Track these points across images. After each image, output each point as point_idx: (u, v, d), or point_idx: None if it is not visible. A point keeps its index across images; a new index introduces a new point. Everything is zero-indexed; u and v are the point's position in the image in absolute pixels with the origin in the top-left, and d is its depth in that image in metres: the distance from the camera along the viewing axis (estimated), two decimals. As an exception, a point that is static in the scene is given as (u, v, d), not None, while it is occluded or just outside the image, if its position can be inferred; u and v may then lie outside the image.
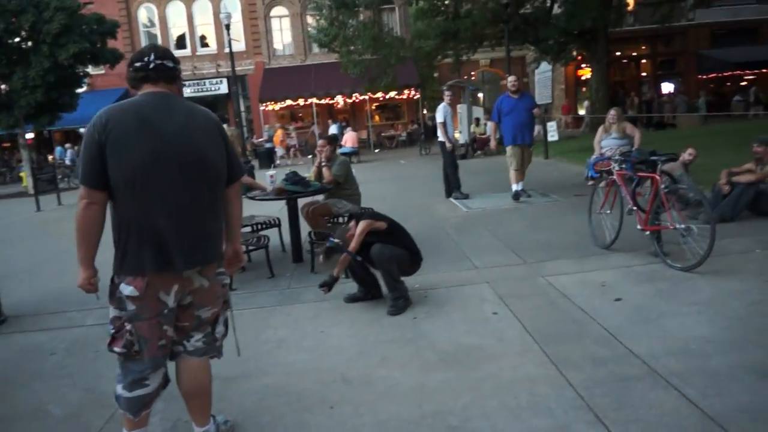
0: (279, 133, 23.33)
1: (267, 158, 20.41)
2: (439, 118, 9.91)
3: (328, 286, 4.53)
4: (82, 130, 29.00)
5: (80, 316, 5.11)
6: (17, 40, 18.27)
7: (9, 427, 3.17)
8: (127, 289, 2.41)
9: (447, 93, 10.55)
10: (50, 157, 24.97)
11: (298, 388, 3.35)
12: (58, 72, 18.08)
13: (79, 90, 20.48)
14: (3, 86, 18.56)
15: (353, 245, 4.49)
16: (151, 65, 2.46)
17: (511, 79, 9.15)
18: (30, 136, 22.30)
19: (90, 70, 20.94)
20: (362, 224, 4.54)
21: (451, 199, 9.67)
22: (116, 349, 2.47)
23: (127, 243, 2.39)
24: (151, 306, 2.44)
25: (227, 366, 3.70)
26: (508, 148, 8.95)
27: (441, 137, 9.88)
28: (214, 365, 3.71)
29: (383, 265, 4.53)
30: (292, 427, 2.93)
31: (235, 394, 3.33)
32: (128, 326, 2.44)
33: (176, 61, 2.58)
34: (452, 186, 9.93)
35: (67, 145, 25.99)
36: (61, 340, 4.55)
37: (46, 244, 9.02)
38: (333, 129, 23.60)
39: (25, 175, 19.28)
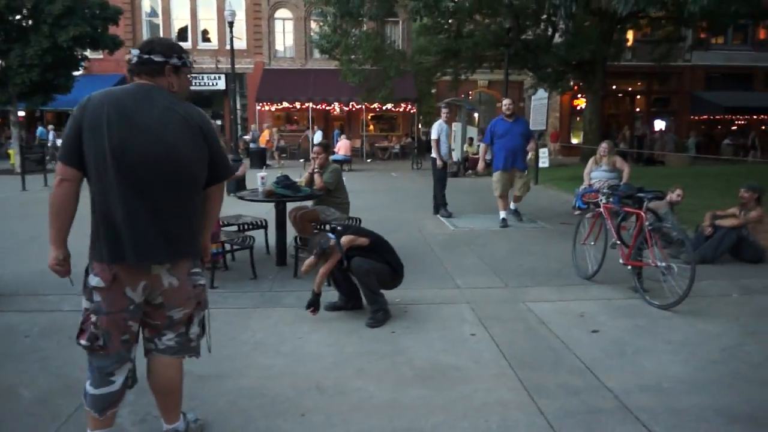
0: (266, 134, 23.31)
1: (259, 158, 20.37)
2: (434, 134, 9.96)
3: (314, 306, 4.52)
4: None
5: (57, 300, 5.07)
6: (18, 17, 18.12)
7: (-24, 408, 3.14)
8: (94, 280, 2.43)
9: (444, 110, 10.55)
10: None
11: (271, 392, 3.35)
12: (56, 53, 17.94)
13: (76, 73, 20.33)
14: (0, 62, 18.37)
15: (332, 260, 4.51)
16: (135, 59, 2.47)
17: (506, 102, 9.04)
18: (22, 114, 22.10)
19: (88, 53, 20.80)
20: (344, 239, 4.57)
21: (439, 217, 9.71)
22: (82, 341, 2.48)
23: (95, 229, 2.43)
24: (117, 300, 2.43)
25: (202, 365, 3.67)
26: (496, 174, 8.76)
27: (434, 154, 9.94)
28: (188, 363, 3.69)
29: (361, 279, 4.58)
30: (263, 430, 2.92)
31: (208, 393, 3.32)
32: (93, 318, 2.44)
33: (170, 55, 2.49)
34: (438, 203, 9.99)
35: (50, 127, 25.72)
36: (35, 323, 4.51)
37: (28, 225, 8.92)
38: (318, 137, 23.68)
39: (13, 152, 19.06)
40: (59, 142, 23.44)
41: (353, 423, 3.01)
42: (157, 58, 2.46)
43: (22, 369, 3.65)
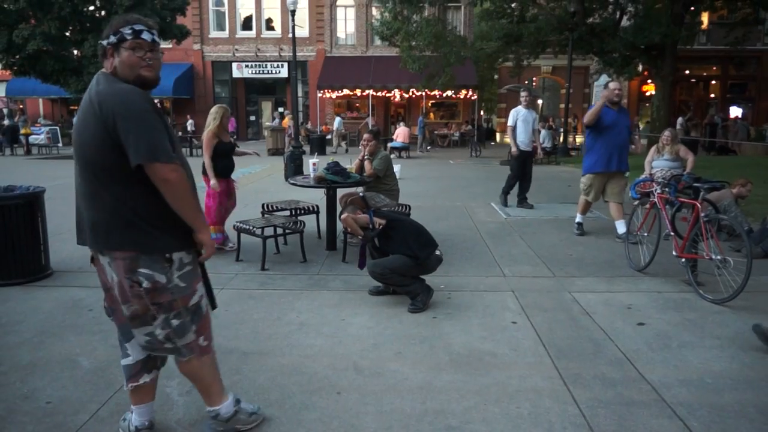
0: (285, 121, 23.88)
1: (318, 145, 20.70)
2: (510, 121, 9.34)
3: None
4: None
5: (120, 279, 5.39)
6: (92, 8, 19.04)
7: (40, 372, 3.41)
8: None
9: (523, 94, 9.55)
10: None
11: (310, 370, 3.48)
12: (127, 43, 18.79)
13: (146, 62, 21.22)
14: (75, 52, 19.38)
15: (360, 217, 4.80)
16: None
17: (613, 85, 6.93)
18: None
19: (158, 43, 21.66)
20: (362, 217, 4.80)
21: (492, 204, 9.65)
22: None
23: None
24: (103, 279, 2.54)
25: (247, 341, 3.89)
26: (589, 176, 7.10)
27: (509, 141, 9.39)
28: (234, 340, 3.90)
29: (381, 280, 4.69)
30: (299, 406, 3.05)
31: (250, 369, 3.48)
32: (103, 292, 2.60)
33: (107, 35, 2.38)
34: (506, 192, 9.55)
35: (41, 119, 26.93)
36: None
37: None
38: (336, 123, 23.94)
39: (88, 138, 20.11)
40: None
41: (386, 403, 3.10)
42: (103, 42, 2.39)
43: (84, 340, 3.93)
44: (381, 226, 4.72)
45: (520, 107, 9.35)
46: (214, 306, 2.79)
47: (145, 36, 2.36)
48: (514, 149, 9.30)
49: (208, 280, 2.77)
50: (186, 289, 2.52)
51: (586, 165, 7.15)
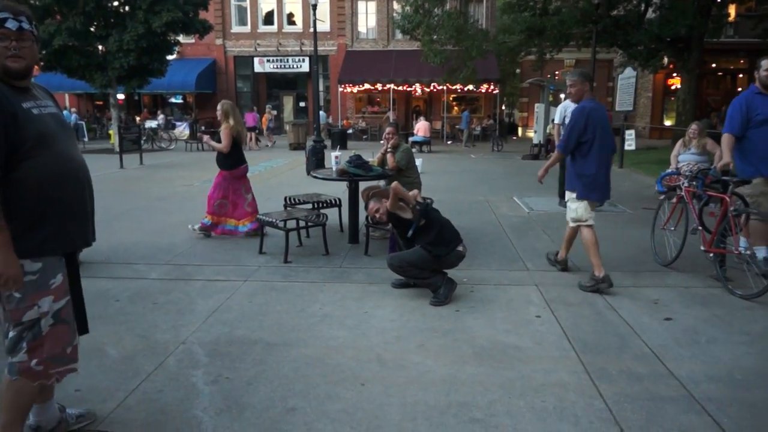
0: (265, 117, 24.13)
1: (339, 139, 20.73)
2: (557, 118, 8.63)
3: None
4: (169, 97, 30.40)
5: (146, 269, 5.47)
6: (116, 4, 19.27)
7: (70, 362, 3.46)
8: None
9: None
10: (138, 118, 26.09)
11: (334, 362, 3.49)
12: (150, 38, 18.97)
13: (169, 57, 21.41)
14: (100, 47, 19.63)
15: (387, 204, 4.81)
16: None
17: (766, 63, 5.01)
18: (121, 96, 23.56)
19: (181, 38, 21.84)
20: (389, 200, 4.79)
21: (514, 198, 9.57)
22: None
23: None
24: None
25: (271, 332, 3.92)
26: (756, 181, 4.99)
27: (556, 139, 8.49)
28: (259, 331, 3.93)
29: (400, 272, 4.71)
30: (323, 396, 3.06)
31: (274, 359, 3.50)
32: None
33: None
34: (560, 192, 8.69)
35: (73, 109, 27.24)
36: (125, 288, 4.89)
37: (123, 200, 9.58)
38: (322, 117, 23.99)
39: (113, 133, 20.41)
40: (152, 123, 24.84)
41: (409, 395, 3.09)
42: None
43: (110, 330, 3.98)
44: (422, 222, 4.71)
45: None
46: (82, 330, 2.61)
47: (10, 24, 2.23)
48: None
49: (81, 300, 2.61)
50: (21, 302, 2.30)
51: (741, 169, 5.14)
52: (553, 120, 19.63)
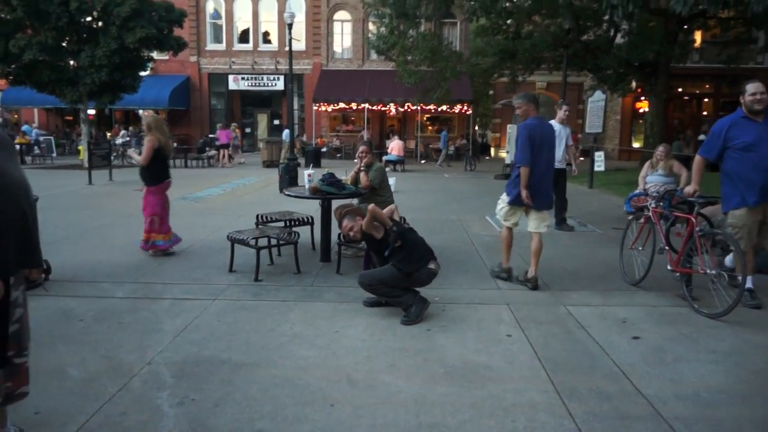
0: (238, 132, 24.01)
1: (313, 158, 20.69)
2: None
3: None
4: (140, 111, 30.09)
5: (112, 288, 5.35)
6: (89, 19, 19.06)
7: (30, 383, 3.34)
8: None
9: (564, 107, 8.90)
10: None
11: (303, 382, 3.43)
12: (123, 54, 18.79)
13: (143, 73, 21.22)
14: (71, 62, 19.37)
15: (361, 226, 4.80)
16: None
17: (753, 87, 5.05)
18: (92, 112, 23.21)
19: (154, 55, 21.68)
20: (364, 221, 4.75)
21: (486, 218, 9.63)
22: None
23: None
24: None
25: (239, 352, 3.85)
26: (739, 212, 4.95)
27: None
28: (227, 351, 3.86)
29: (370, 290, 4.69)
30: (292, 418, 3.01)
31: (242, 380, 3.44)
32: None
33: None
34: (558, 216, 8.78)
35: (34, 125, 26.89)
36: (90, 307, 4.77)
37: (90, 217, 9.40)
38: (285, 134, 23.92)
39: (83, 149, 20.09)
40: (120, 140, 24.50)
41: (380, 416, 3.06)
42: None
43: (73, 350, 3.87)
44: (398, 243, 4.68)
45: (553, 121, 8.27)
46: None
47: None
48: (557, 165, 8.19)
49: (4, 331, 2.41)
50: None
51: (727, 201, 5.11)
52: None
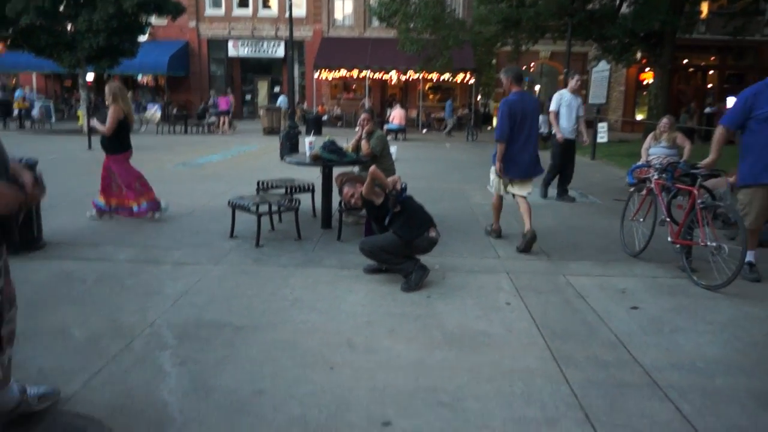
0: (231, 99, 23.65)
1: (314, 125, 20.58)
2: (553, 105, 8.71)
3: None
4: (139, 76, 29.78)
5: (113, 251, 5.37)
6: (85, -17, 18.74)
7: (32, 343, 3.38)
8: None
9: (576, 78, 8.81)
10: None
11: (304, 345, 3.47)
12: (121, 18, 18.51)
13: (141, 38, 20.93)
14: (69, 26, 19.09)
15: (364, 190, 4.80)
16: None
17: None
18: (90, 77, 22.98)
19: (153, 19, 21.35)
20: (366, 186, 4.74)
21: (487, 187, 9.60)
22: None
23: None
24: None
25: (240, 316, 3.88)
26: (747, 191, 4.96)
27: (553, 128, 8.76)
28: (227, 314, 3.89)
29: (370, 257, 4.72)
30: (292, 380, 3.04)
31: (242, 342, 3.47)
32: None
33: None
34: (562, 186, 8.85)
35: (27, 88, 26.57)
36: (92, 270, 4.79)
37: (90, 181, 9.33)
38: (281, 101, 23.70)
39: (82, 114, 19.93)
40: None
41: (379, 379, 3.10)
42: None
43: (76, 311, 3.90)
44: (397, 208, 4.68)
45: (564, 91, 8.79)
46: None
47: None
48: (559, 135, 8.63)
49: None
50: None
51: (741, 175, 5.05)
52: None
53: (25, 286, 4.35)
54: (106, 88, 6.58)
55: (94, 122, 6.75)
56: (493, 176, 6.23)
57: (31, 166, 5.27)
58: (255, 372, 3.12)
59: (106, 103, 6.49)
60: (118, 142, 6.54)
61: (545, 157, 7.35)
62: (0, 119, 21.60)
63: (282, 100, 24.40)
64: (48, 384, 2.78)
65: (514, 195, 6.09)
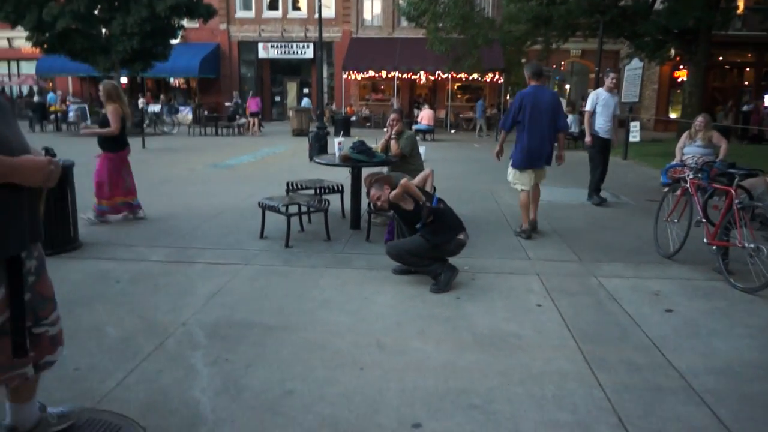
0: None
1: (342, 126, 20.65)
2: (588, 105, 8.58)
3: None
4: (172, 79, 30.28)
5: (147, 252, 5.46)
6: (120, -13, 19.15)
7: (69, 342, 3.41)
8: None
9: (611, 75, 8.54)
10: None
11: (333, 346, 3.48)
12: (154, 22, 18.87)
13: (173, 41, 21.29)
14: (104, 30, 19.51)
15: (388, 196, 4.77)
16: None
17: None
18: (124, 80, 23.46)
19: (185, 22, 21.70)
20: (396, 192, 4.68)
21: (511, 185, 9.50)
22: None
23: None
24: None
25: (271, 316, 3.92)
26: None
27: (585, 127, 8.61)
28: (258, 314, 3.92)
29: (398, 260, 4.73)
30: (322, 380, 3.06)
31: (273, 343, 3.50)
32: None
33: None
34: (590, 186, 8.61)
35: (59, 92, 27.09)
36: (126, 270, 4.89)
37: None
38: (305, 102, 23.73)
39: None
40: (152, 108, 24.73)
41: (408, 380, 3.09)
42: None
43: (110, 310, 3.99)
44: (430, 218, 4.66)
45: (601, 90, 8.58)
46: (19, 352, 2.18)
47: None
48: (588, 138, 8.49)
49: (21, 314, 2.17)
50: None
51: None
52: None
53: (62, 285, 4.45)
54: (101, 88, 6.57)
55: (85, 130, 6.73)
56: (511, 170, 6.51)
57: (68, 167, 5.41)
58: (285, 372, 3.14)
59: (103, 102, 6.54)
60: (114, 140, 6.57)
61: (579, 158, 7.22)
62: (37, 122, 22.17)
63: (306, 102, 24.62)
64: (84, 383, 2.84)
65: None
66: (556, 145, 6.46)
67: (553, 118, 6.24)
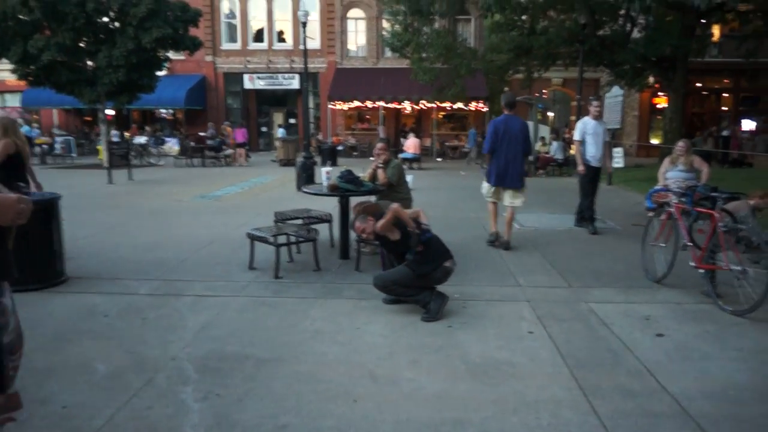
0: (229, 131, 23.98)
1: (329, 156, 20.74)
2: (576, 135, 8.57)
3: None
4: (162, 111, 30.32)
5: (135, 285, 5.40)
6: (105, 20, 19.19)
7: (56, 377, 3.40)
8: None
9: (595, 103, 8.56)
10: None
11: (326, 378, 3.45)
12: (140, 54, 18.91)
13: (159, 73, 21.35)
14: (89, 63, 19.54)
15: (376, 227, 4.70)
16: None
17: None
18: (110, 112, 23.45)
19: (170, 54, 21.81)
20: (381, 222, 4.65)
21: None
22: None
23: None
24: None
25: (262, 348, 3.87)
26: None
27: (575, 156, 8.62)
28: (250, 346, 3.88)
29: (385, 291, 4.71)
30: (315, 413, 3.02)
31: (265, 376, 3.46)
32: None
33: None
34: (582, 214, 8.62)
35: (35, 125, 26.99)
36: (114, 304, 4.82)
37: (112, 215, 9.49)
38: (280, 132, 23.93)
39: (102, 148, 20.27)
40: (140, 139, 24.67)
41: (403, 411, 3.06)
42: None
43: (99, 345, 3.92)
44: (420, 248, 4.65)
45: (587, 118, 8.53)
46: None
47: None
48: (580, 167, 8.45)
49: None
50: None
51: None
52: (542, 137, 19.73)
53: (49, 320, 4.41)
54: None
55: None
56: (484, 185, 7.45)
57: (55, 200, 5.36)
58: (278, 406, 3.09)
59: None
60: (10, 178, 5.47)
61: (565, 185, 7.30)
62: (22, 155, 21.98)
63: (281, 132, 24.84)
64: (73, 421, 2.78)
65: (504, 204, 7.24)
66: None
67: (523, 143, 7.08)
